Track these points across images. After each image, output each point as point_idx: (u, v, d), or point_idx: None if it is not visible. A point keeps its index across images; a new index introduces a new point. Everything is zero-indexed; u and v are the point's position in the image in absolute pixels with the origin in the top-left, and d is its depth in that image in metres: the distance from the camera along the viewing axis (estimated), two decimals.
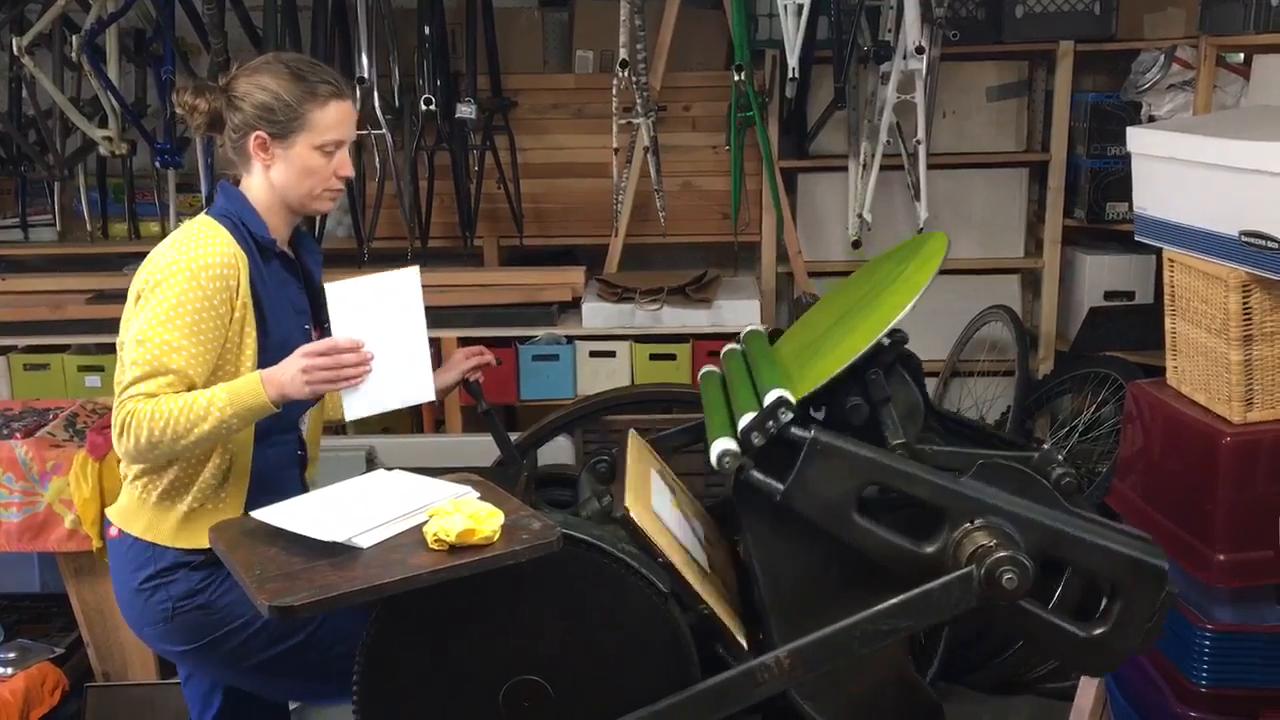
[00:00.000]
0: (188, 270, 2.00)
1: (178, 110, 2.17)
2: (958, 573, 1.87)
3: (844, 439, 1.92)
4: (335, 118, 2.12)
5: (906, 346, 2.33)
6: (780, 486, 1.91)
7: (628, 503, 2.00)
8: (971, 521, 1.89)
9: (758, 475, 1.93)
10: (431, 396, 2.17)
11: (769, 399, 1.94)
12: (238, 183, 2.17)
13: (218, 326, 2.02)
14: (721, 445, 1.94)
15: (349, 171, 2.19)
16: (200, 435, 1.95)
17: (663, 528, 2.05)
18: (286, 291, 2.17)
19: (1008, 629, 1.99)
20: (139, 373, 1.97)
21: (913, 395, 2.21)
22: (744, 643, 2.01)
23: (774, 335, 2.63)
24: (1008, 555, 1.83)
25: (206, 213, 2.14)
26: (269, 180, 2.13)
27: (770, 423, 1.93)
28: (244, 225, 2.10)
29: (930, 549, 1.91)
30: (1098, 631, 1.91)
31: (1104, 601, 1.94)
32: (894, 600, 1.88)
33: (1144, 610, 1.90)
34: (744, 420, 1.96)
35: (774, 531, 2.00)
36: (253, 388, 1.97)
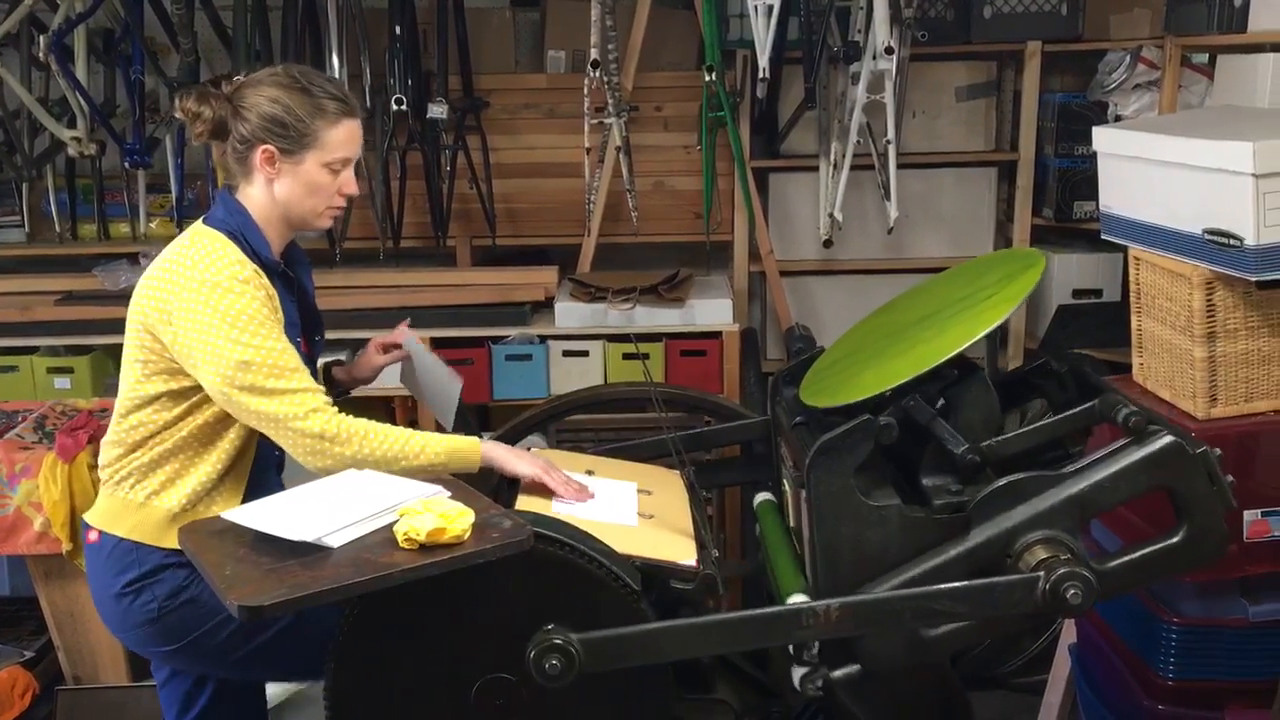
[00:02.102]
0: (223, 285, 2.01)
1: (178, 116, 2.13)
2: (1025, 575, 1.88)
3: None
4: (345, 135, 2.12)
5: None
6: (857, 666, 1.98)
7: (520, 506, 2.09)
8: (1022, 539, 1.92)
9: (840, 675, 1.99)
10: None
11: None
12: (233, 191, 2.15)
13: (274, 320, 2.06)
14: (800, 672, 1.98)
15: (354, 190, 2.18)
16: (405, 470, 2.04)
17: (554, 509, 2.14)
18: (285, 307, 2.16)
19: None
20: (272, 385, 2.01)
21: (989, 403, 2.16)
22: (692, 562, 2.06)
23: (748, 335, 2.63)
24: (1073, 571, 1.84)
25: (205, 222, 2.12)
26: (271, 194, 2.11)
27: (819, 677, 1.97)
28: (247, 242, 2.09)
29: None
30: (1180, 535, 1.94)
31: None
32: (958, 584, 1.90)
33: (1199, 488, 1.92)
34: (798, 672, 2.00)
35: (841, 511, 1.99)
36: (471, 444, 2.11)
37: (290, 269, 2.22)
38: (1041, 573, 1.86)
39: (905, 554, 1.98)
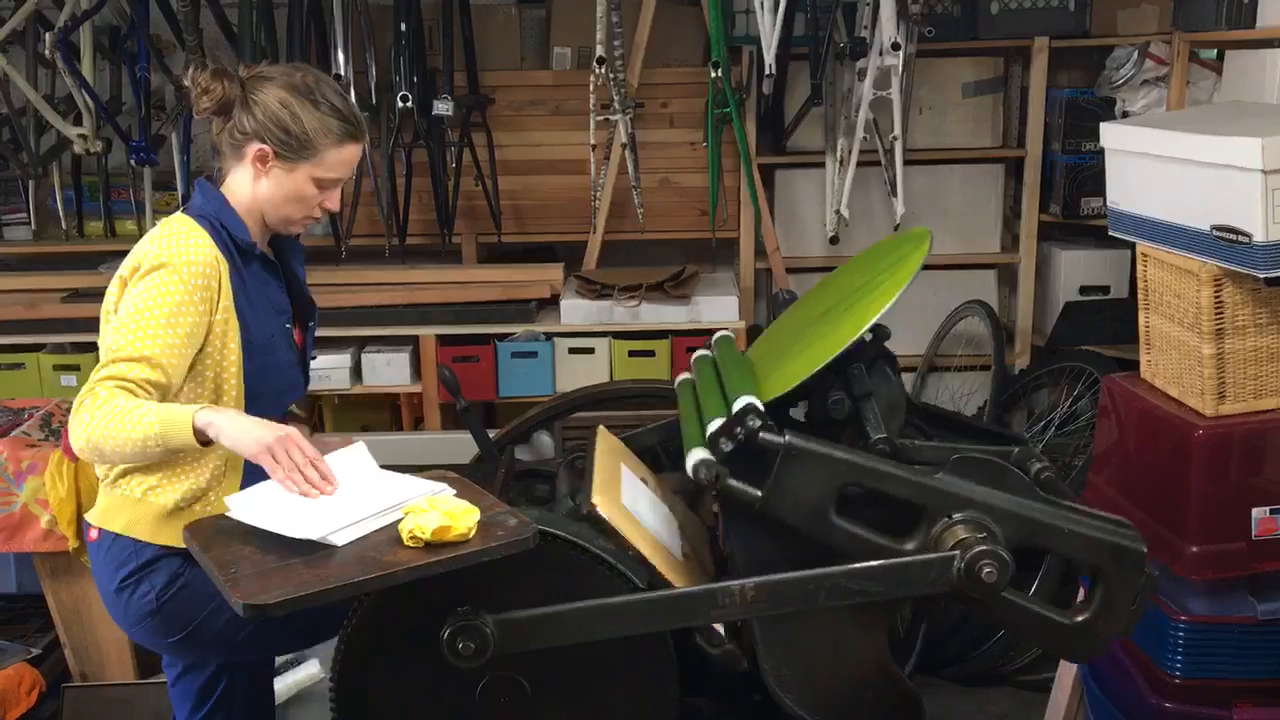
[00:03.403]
0: (170, 265, 1.98)
1: (187, 84, 2.10)
2: (939, 554, 1.88)
3: (818, 442, 1.93)
4: (345, 158, 2.11)
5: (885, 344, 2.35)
6: (758, 494, 1.92)
7: (594, 498, 2.00)
8: (950, 516, 1.91)
9: (735, 484, 1.93)
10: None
11: (737, 406, 1.94)
12: (212, 179, 2.15)
13: (197, 323, 2.00)
14: (696, 455, 1.94)
15: (335, 207, 2.17)
16: (127, 438, 1.88)
17: (631, 519, 2.05)
18: (267, 292, 2.15)
19: (991, 618, 2.01)
20: (110, 357, 1.94)
21: (895, 390, 2.21)
22: (720, 628, 2.02)
23: (754, 332, 2.64)
24: (989, 549, 1.84)
25: (184, 211, 2.12)
26: (255, 189, 2.10)
27: (738, 429, 1.93)
28: (223, 227, 2.08)
29: (911, 545, 1.92)
30: (1081, 618, 1.93)
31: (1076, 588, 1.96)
32: (871, 563, 1.90)
33: (1126, 594, 1.91)
34: (712, 426, 1.96)
35: (756, 530, 2.00)
36: (184, 413, 1.89)
37: (278, 255, 2.22)
38: (958, 552, 1.87)
39: (829, 558, 1.96)
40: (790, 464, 1.90)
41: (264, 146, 2.06)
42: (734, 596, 1.91)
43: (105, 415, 1.89)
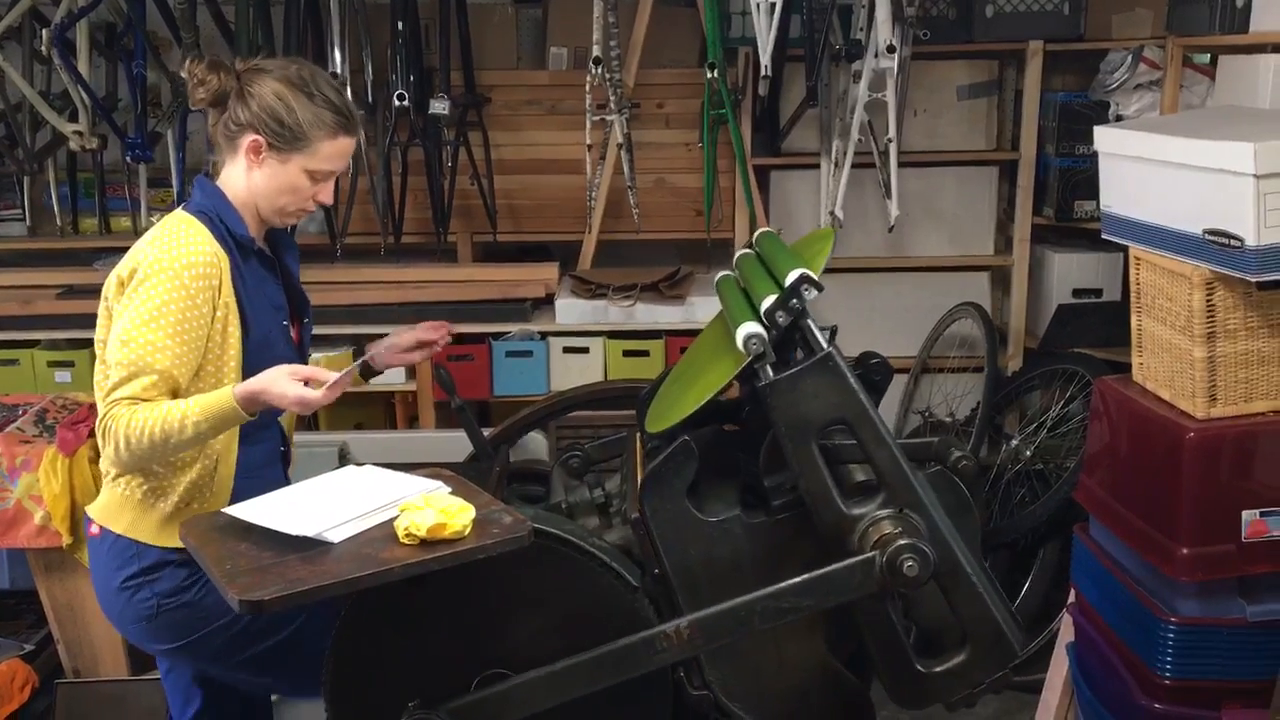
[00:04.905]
0: (170, 269, 1.99)
1: (183, 75, 2.13)
2: (860, 557, 1.90)
3: (851, 371, 1.94)
4: (338, 150, 2.12)
5: (878, 353, 2.35)
6: (772, 378, 1.91)
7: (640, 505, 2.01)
8: (899, 509, 1.92)
9: (767, 368, 1.93)
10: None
11: (791, 278, 1.94)
12: (209, 175, 2.16)
13: (201, 326, 2.01)
14: (748, 329, 1.92)
15: (328, 200, 2.19)
16: (179, 444, 1.96)
17: None
18: (265, 288, 2.16)
19: (863, 626, 2.01)
20: (122, 374, 1.96)
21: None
22: None
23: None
24: (912, 544, 1.86)
25: (184, 209, 2.13)
26: (249, 181, 2.11)
27: (794, 300, 1.93)
28: (222, 222, 2.09)
29: (855, 511, 1.93)
30: (932, 669, 1.97)
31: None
32: (796, 580, 1.91)
33: (980, 674, 1.96)
34: (767, 302, 1.95)
35: (684, 535, 2.02)
36: (223, 398, 1.96)
37: (273, 250, 2.22)
38: (876, 551, 1.88)
39: (758, 561, 2.01)
40: (818, 371, 1.91)
41: (258, 138, 2.07)
42: (671, 639, 1.92)
43: (138, 435, 1.93)
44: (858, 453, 1.99)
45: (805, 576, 1.90)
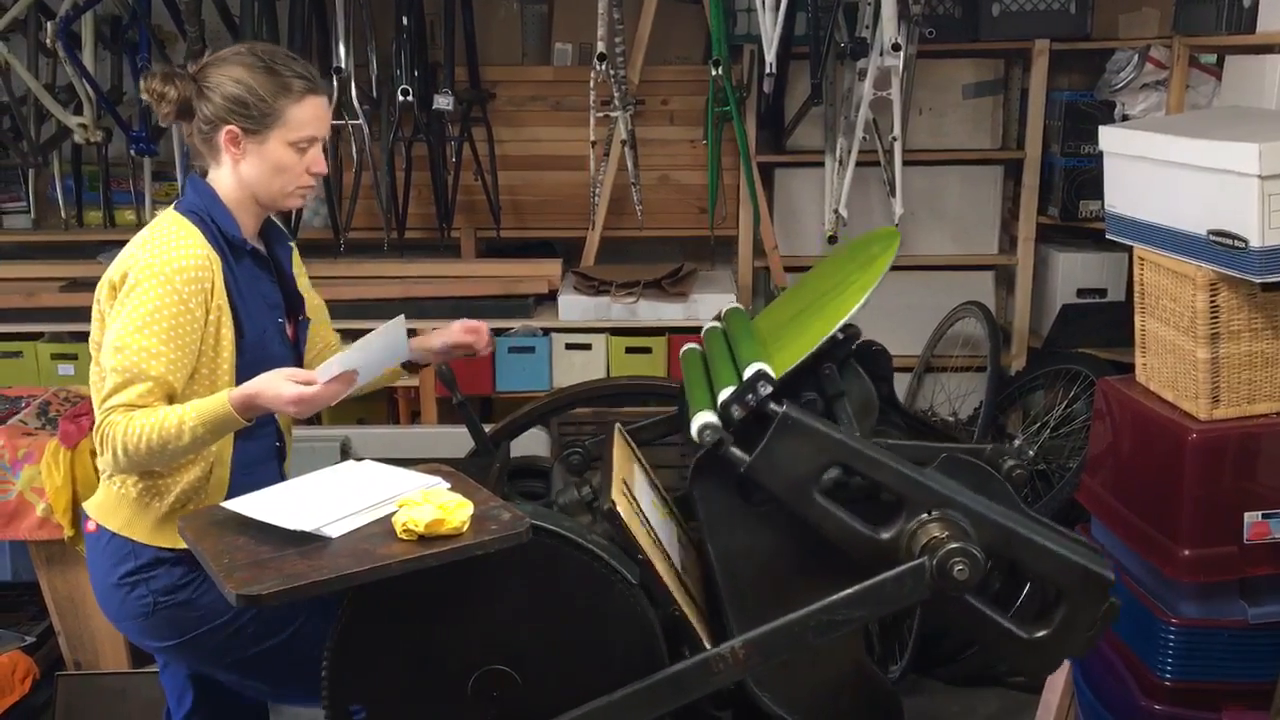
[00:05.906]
0: (162, 274, 1.97)
1: (144, 97, 2.12)
2: (910, 564, 1.88)
3: (815, 417, 1.94)
4: (310, 113, 2.09)
5: (878, 342, 2.35)
6: (746, 458, 1.92)
7: (614, 497, 2.00)
8: (929, 513, 1.91)
9: (735, 450, 1.93)
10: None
11: (749, 373, 1.95)
12: (206, 175, 2.15)
13: (194, 330, 2.00)
14: (702, 419, 1.95)
15: (323, 169, 2.15)
16: (176, 451, 1.96)
17: (643, 524, 2.05)
18: (259, 287, 2.15)
19: (955, 624, 2.01)
20: (117, 381, 1.95)
21: (866, 390, 2.22)
22: (709, 646, 2.02)
23: None
24: (960, 547, 1.85)
25: (175, 208, 2.11)
26: (239, 175, 2.09)
27: (750, 395, 1.93)
28: (214, 222, 2.07)
29: (886, 535, 1.92)
30: (1039, 634, 1.94)
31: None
32: (848, 591, 1.90)
33: (1086, 618, 1.92)
34: (724, 394, 1.96)
35: (730, 522, 2.01)
36: (219, 403, 1.95)
37: (268, 249, 2.21)
38: (925, 557, 1.87)
39: (801, 552, 1.99)
40: (784, 434, 1.91)
41: (230, 128, 2.05)
42: (726, 660, 1.91)
43: (136, 442, 1.93)
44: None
45: (857, 588, 1.89)
